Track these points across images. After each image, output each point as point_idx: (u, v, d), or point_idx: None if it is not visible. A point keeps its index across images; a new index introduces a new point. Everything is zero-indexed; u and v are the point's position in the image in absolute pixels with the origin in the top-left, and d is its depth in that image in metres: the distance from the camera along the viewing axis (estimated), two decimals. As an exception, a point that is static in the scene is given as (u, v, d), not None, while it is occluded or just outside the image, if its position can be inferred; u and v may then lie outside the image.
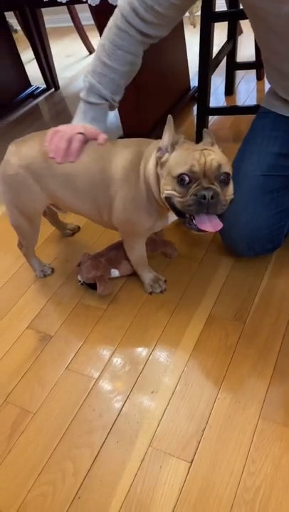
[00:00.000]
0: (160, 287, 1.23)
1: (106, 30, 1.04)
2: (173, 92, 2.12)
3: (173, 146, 0.95)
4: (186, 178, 0.89)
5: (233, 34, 1.94)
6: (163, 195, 0.95)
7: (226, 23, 1.91)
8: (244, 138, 1.27)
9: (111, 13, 1.02)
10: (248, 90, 2.24)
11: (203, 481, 0.85)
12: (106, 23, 1.03)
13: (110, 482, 0.88)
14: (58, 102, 2.65)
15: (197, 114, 1.78)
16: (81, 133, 1.04)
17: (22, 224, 1.22)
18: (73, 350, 1.14)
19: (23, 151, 1.12)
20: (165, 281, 1.25)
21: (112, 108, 1.12)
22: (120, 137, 1.92)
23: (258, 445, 0.88)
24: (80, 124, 1.08)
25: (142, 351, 1.10)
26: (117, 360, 1.10)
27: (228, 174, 0.92)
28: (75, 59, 3.18)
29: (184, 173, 0.89)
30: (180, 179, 0.90)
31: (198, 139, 1.84)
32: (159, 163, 0.97)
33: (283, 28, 0.96)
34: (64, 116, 2.43)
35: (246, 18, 1.08)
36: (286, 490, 0.81)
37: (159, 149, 0.97)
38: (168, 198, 0.95)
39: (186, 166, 0.89)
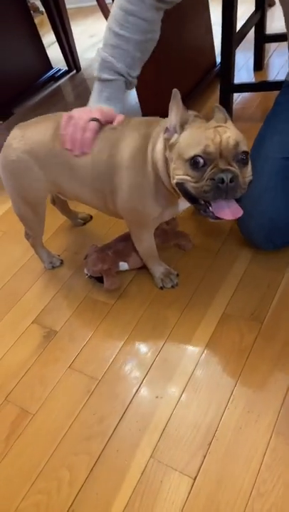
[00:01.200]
0: (171, 282, 1.14)
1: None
2: (197, 68, 1.98)
3: (182, 125, 0.85)
4: (201, 161, 0.79)
5: (261, 3, 1.77)
6: (174, 181, 0.86)
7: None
8: (266, 116, 1.15)
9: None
10: (280, 65, 2.06)
11: (207, 501, 0.77)
12: None
13: (107, 495, 0.81)
14: (79, 83, 2.57)
15: (220, 92, 1.65)
16: (96, 119, 0.96)
17: (25, 212, 1.16)
18: (77, 348, 1.08)
19: (28, 135, 1.05)
20: (177, 275, 1.15)
21: (129, 86, 1.02)
22: (138, 119, 1.83)
23: (270, 463, 0.79)
24: (95, 105, 1.00)
25: (148, 352, 1.02)
26: (122, 361, 1.02)
27: (246, 153, 0.82)
28: (98, 39, 3.06)
29: (197, 155, 0.79)
30: (193, 162, 0.80)
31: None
32: (167, 146, 0.87)
33: None
34: (85, 98, 2.29)
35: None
36: (299, 517, 0.72)
37: (166, 130, 0.87)
38: (180, 184, 0.85)
39: (200, 146, 0.79)
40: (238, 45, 1.63)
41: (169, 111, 0.86)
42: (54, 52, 2.73)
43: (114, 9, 0.96)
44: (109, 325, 1.12)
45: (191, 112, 0.90)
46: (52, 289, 1.27)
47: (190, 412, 0.89)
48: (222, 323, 1.03)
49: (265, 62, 2.09)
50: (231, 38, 1.52)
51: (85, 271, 1.20)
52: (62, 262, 1.33)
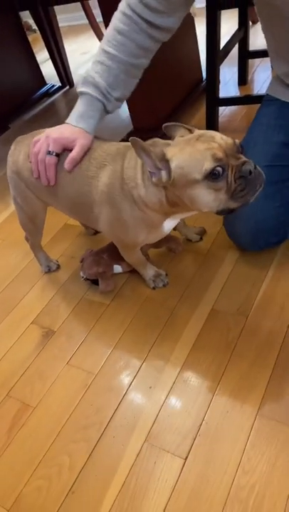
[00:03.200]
0: (162, 281, 1.21)
1: (111, 20, 1.00)
2: (184, 83, 2.08)
3: (162, 159, 0.83)
4: (219, 169, 0.79)
5: (244, 21, 1.88)
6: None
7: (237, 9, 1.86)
8: (249, 127, 1.24)
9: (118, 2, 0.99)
10: (263, 79, 2.17)
11: (197, 479, 0.83)
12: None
13: (105, 477, 0.88)
14: (72, 99, 2.66)
15: (206, 106, 1.74)
16: (55, 153, 0.99)
17: (24, 220, 1.24)
18: (74, 346, 1.14)
19: (16, 153, 1.12)
20: (166, 274, 1.23)
21: (108, 105, 1.01)
22: (130, 132, 1.92)
23: (254, 442, 0.85)
24: (68, 122, 1.01)
25: (141, 347, 1.09)
26: (117, 356, 1.09)
27: (240, 143, 0.85)
28: (91, 56, 3.18)
29: (212, 168, 0.79)
30: (212, 174, 0.79)
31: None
32: (166, 186, 0.87)
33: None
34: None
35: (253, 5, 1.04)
36: (281, 490, 0.78)
37: (152, 175, 0.86)
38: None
39: (208, 158, 0.79)
40: (222, 61, 1.73)
41: (142, 158, 0.84)
42: (48, 69, 2.84)
43: (107, 30, 0.99)
44: (105, 324, 1.18)
45: (156, 142, 0.90)
46: (50, 291, 1.34)
47: (181, 399, 0.96)
48: (211, 318, 1.10)
49: (250, 76, 2.20)
50: (215, 54, 1.62)
51: (81, 274, 1.27)
52: (58, 267, 1.40)
